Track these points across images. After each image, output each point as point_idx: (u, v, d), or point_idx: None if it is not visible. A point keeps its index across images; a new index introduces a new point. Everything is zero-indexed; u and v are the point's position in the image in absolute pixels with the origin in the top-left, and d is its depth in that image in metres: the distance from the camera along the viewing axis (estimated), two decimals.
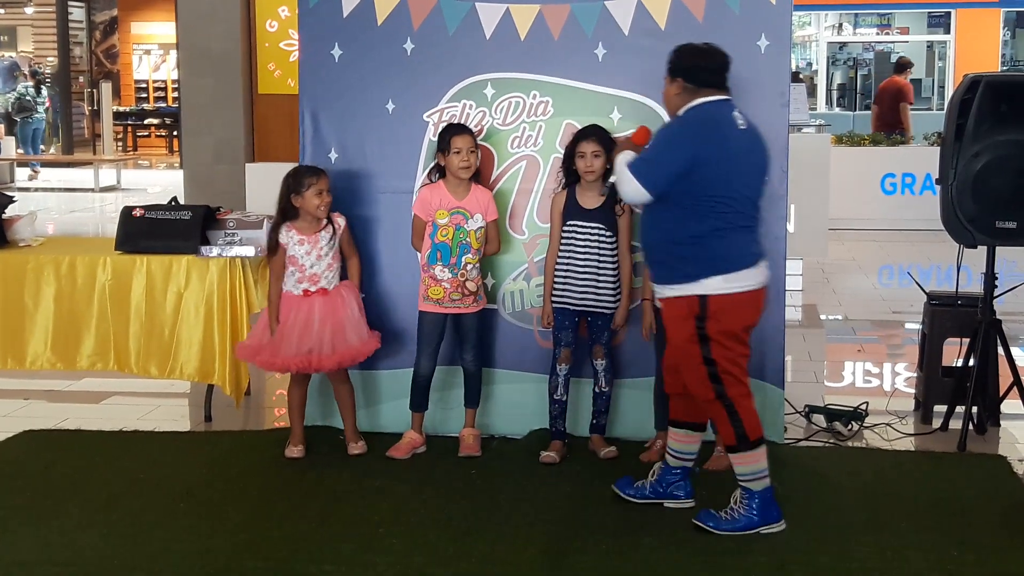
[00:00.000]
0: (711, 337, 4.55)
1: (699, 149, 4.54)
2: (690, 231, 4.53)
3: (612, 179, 4.83)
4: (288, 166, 5.63)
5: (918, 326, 6.61)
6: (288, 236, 5.47)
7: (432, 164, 5.64)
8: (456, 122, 5.65)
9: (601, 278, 5.45)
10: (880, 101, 14.92)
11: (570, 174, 5.48)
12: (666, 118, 5.54)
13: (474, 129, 5.59)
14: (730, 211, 4.54)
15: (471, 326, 5.57)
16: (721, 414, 4.61)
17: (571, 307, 5.48)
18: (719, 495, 4.81)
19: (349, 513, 4.86)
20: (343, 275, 5.59)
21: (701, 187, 4.51)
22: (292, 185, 5.47)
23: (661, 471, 4.97)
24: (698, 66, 4.71)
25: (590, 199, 5.45)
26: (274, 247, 5.52)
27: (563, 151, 5.53)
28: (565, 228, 5.46)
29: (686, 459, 4.93)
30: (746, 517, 4.63)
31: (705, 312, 4.54)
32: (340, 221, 5.57)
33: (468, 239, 5.48)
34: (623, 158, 4.72)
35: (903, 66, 14.89)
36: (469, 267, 5.49)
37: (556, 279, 5.48)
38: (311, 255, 5.47)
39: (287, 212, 5.49)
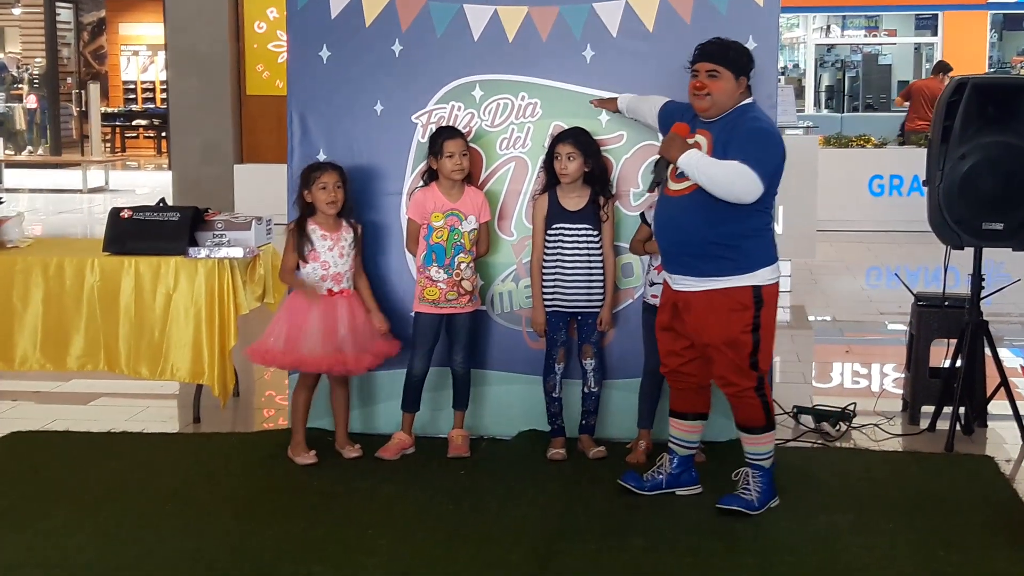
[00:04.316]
0: (763, 325, 4.79)
1: (784, 149, 4.81)
2: (752, 225, 4.76)
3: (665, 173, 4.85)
4: (277, 168, 5.64)
5: (905, 327, 6.63)
6: (312, 231, 5.45)
7: (422, 167, 5.64)
8: (447, 125, 5.64)
9: (592, 278, 5.47)
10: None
11: (551, 175, 5.49)
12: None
13: (463, 131, 5.60)
14: (771, 207, 4.83)
15: (462, 326, 5.57)
16: (754, 402, 4.82)
17: (563, 309, 5.49)
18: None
19: (337, 514, 4.87)
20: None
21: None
22: (303, 181, 5.48)
23: (668, 461, 5.07)
24: (752, 65, 4.90)
25: (573, 201, 5.46)
26: (301, 247, 5.42)
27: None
28: (551, 231, 5.47)
29: (692, 448, 5.10)
30: (763, 494, 4.85)
31: (760, 301, 4.76)
32: (358, 227, 5.58)
33: (462, 240, 5.49)
34: (699, 156, 4.71)
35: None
36: (463, 266, 5.49)
37: (546, 282, 5.49)
38: (333, 251, 5.45)
39: (305, 210, 5.48)
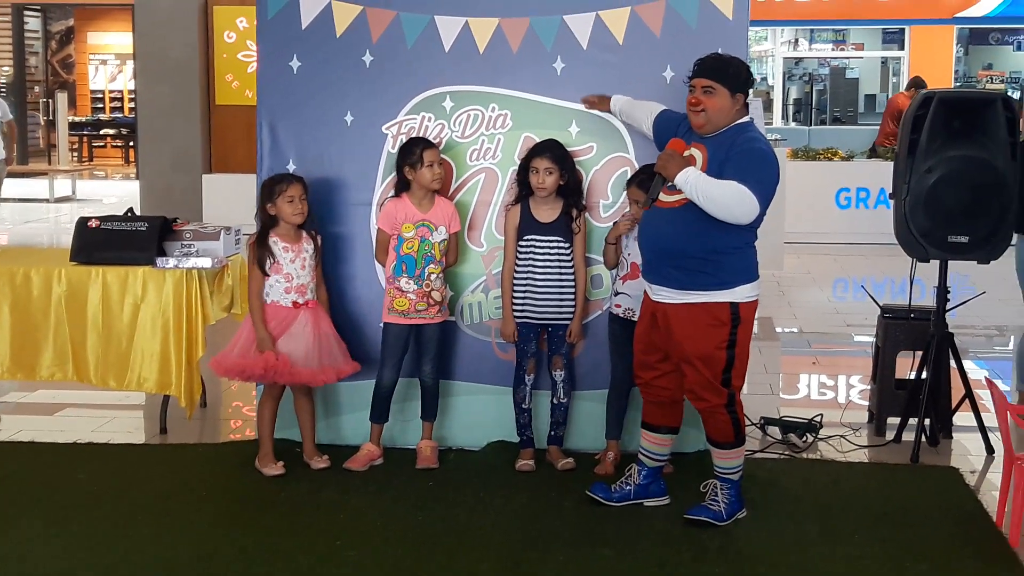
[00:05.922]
0: (738, 343, 4.78)
1: (779, 170, 4.80)
2: (734, 242, 4.76)
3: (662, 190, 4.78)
4: (246, 177, 5.62)
5: (872, 339, 6.67)
6: (273, 243, 5.43)
7: (392, 178, 5.63)
8: (419, 136, 5.64)
9: (564, 290, 5.48)
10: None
11: (524, 186, 5.50)
12: (626, 134, 5.61)
13: (434, 142, 5.60)
14: (757, 225, 4.80)
15: (431, 336, 5.57)
16: (724, 418, 4.82)
17: (534, 321, 5.50)
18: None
19: (306, 525, 4.85)
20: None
21: None
22: (265, 194, 5.47)
23: (637, 472, 5.08)
24: (752, 83, 4.88)
25: (545, 213, 5.48)
26: (263, 260, 5.40)
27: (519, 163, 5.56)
28: (523, 242, 5.48)
29: (661, 460, 5.12)
30: (730, 506, 4.86)
31: (738, 318, 4.76)
32: (318, 238, 5.57)
33: (432, 251, 5.49)
34: (696, 175, 4.67)
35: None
36: (433, 277, 5.49)
37: (516, 293, 5.50)
38: (295, 263, 5.44)
39: (267, 222, 5.47)
